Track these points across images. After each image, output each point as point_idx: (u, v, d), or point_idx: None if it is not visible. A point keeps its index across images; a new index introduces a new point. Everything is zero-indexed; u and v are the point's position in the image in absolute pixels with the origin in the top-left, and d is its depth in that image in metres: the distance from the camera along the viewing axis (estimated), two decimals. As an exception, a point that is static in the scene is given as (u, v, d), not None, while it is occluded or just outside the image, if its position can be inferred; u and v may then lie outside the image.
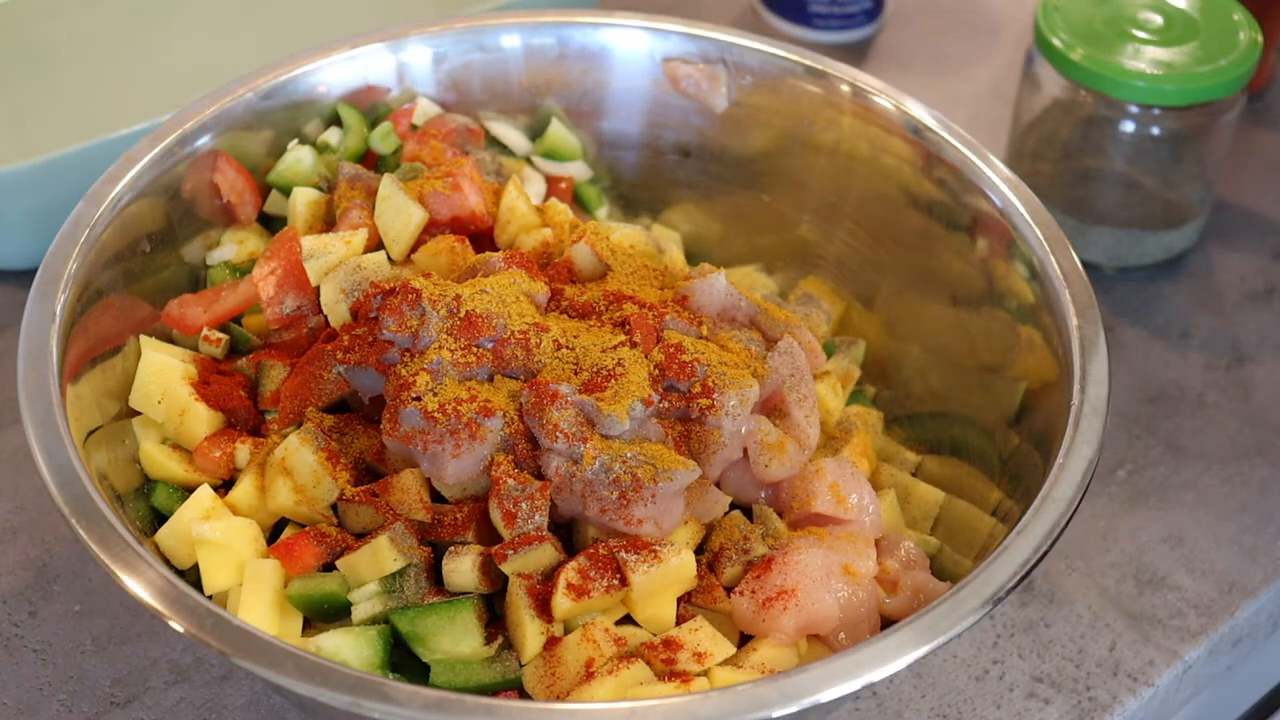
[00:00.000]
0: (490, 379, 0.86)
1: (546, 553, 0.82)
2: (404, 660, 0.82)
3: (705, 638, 0.81)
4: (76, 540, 0.76)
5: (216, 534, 0.84)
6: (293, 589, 0.83)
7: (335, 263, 0.93)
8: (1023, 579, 0.76)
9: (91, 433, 0.85)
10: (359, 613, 0.82)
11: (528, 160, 1.12)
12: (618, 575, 0.81)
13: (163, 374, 0.91)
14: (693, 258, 1.13)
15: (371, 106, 1.08)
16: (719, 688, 0.72)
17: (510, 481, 0.83)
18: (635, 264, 0.96)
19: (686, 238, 1.14)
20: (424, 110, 1.08)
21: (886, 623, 0.85)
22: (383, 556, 0.82)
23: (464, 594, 0.83)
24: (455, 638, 0.81)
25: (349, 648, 0.80)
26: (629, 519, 0.82)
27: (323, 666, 0.70)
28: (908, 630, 0.72)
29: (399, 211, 0.95)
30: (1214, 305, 1.22)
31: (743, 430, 0.87)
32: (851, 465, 0.90)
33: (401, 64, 1.08)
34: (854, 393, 1.03)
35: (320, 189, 1.02)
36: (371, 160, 1.06)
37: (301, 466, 0.85)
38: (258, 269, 0.95)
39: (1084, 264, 0.93)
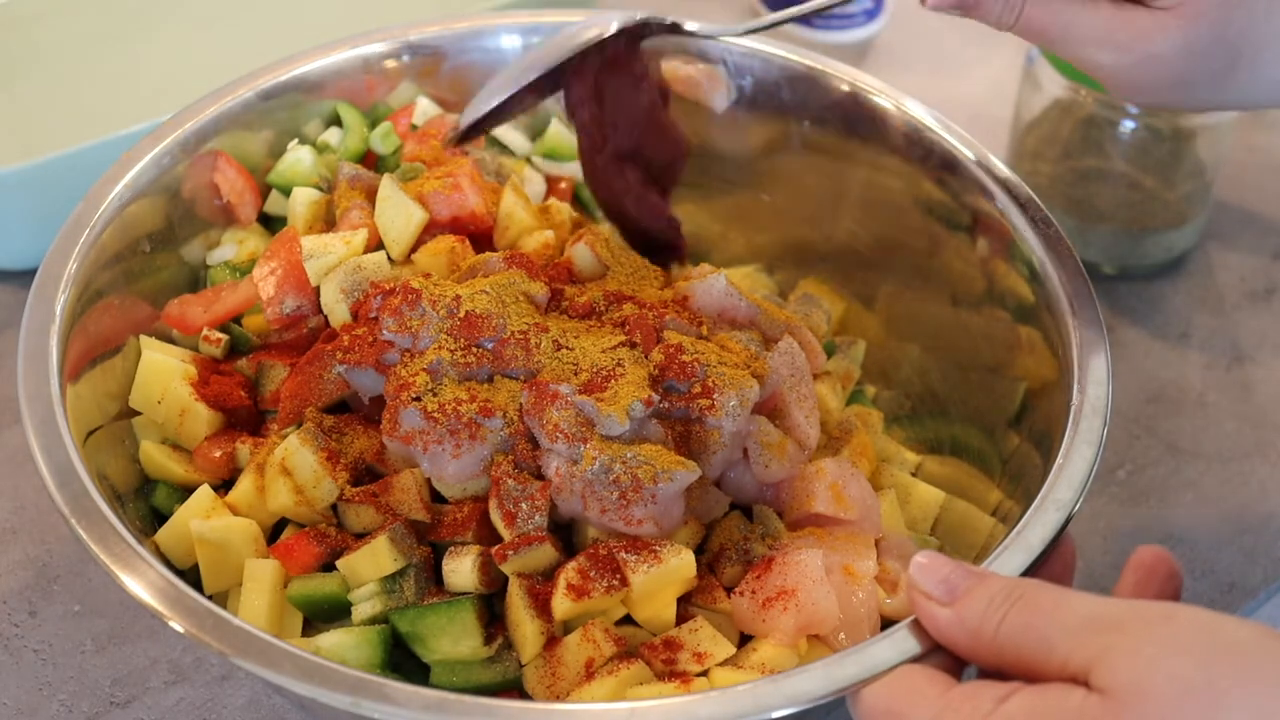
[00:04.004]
0: (490, 379, 0.86)
1: (546, 553, 0.82)
2: (404, 660, 0.82)
3: (705, 638, 0.81)
4: (76, 540, 0.76)
5: (216, 534, 0.84)
6: (293, 589, 0.83)
7: (335, 263, 0.93)
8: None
9: (91, 433, 0.85)
10: (359, 613, 0.82)
11: (527, 160, 1.12)
12: (618, 575, 0.81)
13: (163, 374, 0.91)
14: (693, 258, 1.13)
15: (371, 106, 1.08)
16: (719, 688, 0.72)
17: (510, 482, 0.83)
18: (635, 264, 0.96)
19: (687, 237, 1.14)
20: (424, 110, 1.08)
21: (886, 623, 0.85)
22: (382, 557, 0.82)
23: (464, 594, 0.83)
24: (455, 638, 0.81)
25: (349, 648, 0.80)
26: (629, 519, 0.82)
27: (323, 666, 0.70)
28: (908, 630, 0.72)
29: (399, 211, 0.95)
30: (1214, 305, 1.22)
31: (742, 430, 0.87)
32: (851, 465, 0.90)
33: (401, 64, 1.08)
34: (854, 393, 1.03)
35: (320, 189, 1.02)
36: (371, 160, 1.06)
37: (301, 467, 0.85)
38: (258, 269, 0.95)
39: (1084, 264, 0.93)
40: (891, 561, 0.89)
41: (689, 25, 0.97)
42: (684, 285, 0.94)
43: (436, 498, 0.86)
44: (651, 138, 1.00)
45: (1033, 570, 0.76)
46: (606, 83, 0.97)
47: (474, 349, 0.86)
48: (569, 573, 0.81)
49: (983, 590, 0.69)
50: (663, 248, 1.03)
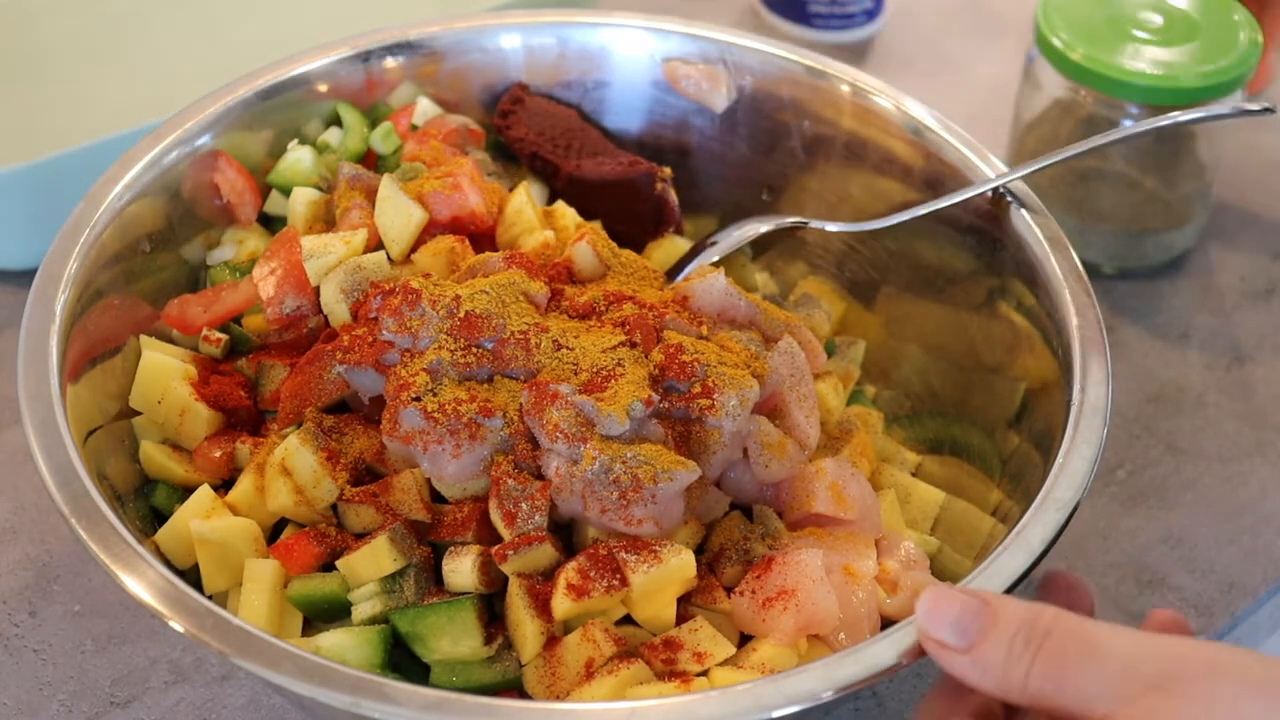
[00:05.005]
0: (490, 379, 0.86)
1: (546, 553, 0.82)
2: (404, 660, 0.82)
3: (705, 638, 0.81)
4: (76, 540, 0.76)
5: (216, 534, 0.84)
6: (293, 589, 0.83)
7: (335, 263, 0.93)
8: (1022, 579, 0.76)
9: (91, 433, 0.85)
10: (359, 613, 0.82)
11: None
12: (618, 575, 0.81)
13: (163, 374, 0.91)
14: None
15: (371, 106, 1.08)
16: (719, 688, 0.72)
17: (510, 482, 0.83)
18: (635, 264, 0.96)
19: (688, 236, 1.14)
20: (424, 110, 1.08)
21: (886, 623, 0.85)
22: (382, 556, 0.82)
23: (464, 594, 0.83)
24: (455, 638, 0.81)
25: (349, 648, 0.80)
26: (629, 519, 0.82)
27: (323, 666, 0.70)
28: (908, 630, 0.72)
29: (399, 211, 0.95)
30: (1214, 305, 1.22)
31: (743, 430, 0.87)
32: (851, 465, 0.90)
33: (401, 64, 1.08)
34: (854, 393, 1.03)
35: (320, 189, 1.02)
36: (371, 160, 1.06)
37: (301, 467, 0.85)
38: (258, 269, 0.95)
39: (1084, 264, 0.93)
40: (891, 561, 0.89)
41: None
42: (684, 285, 0.94)
43: (436, 498, 0.86)
44: (579, 136, 1.09)
45: (1032, 570, 0.76)
46: (527, 115, 1.09)
47: (474, 349, 0.86)
48: (569, 573, 0.81)
49: (998, 633, 0.66)
50: (658, 215, 1.06)
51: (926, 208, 0.98)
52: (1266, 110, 0.90)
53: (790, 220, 1.04)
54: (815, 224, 1.04)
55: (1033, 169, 0.96)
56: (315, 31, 1.14)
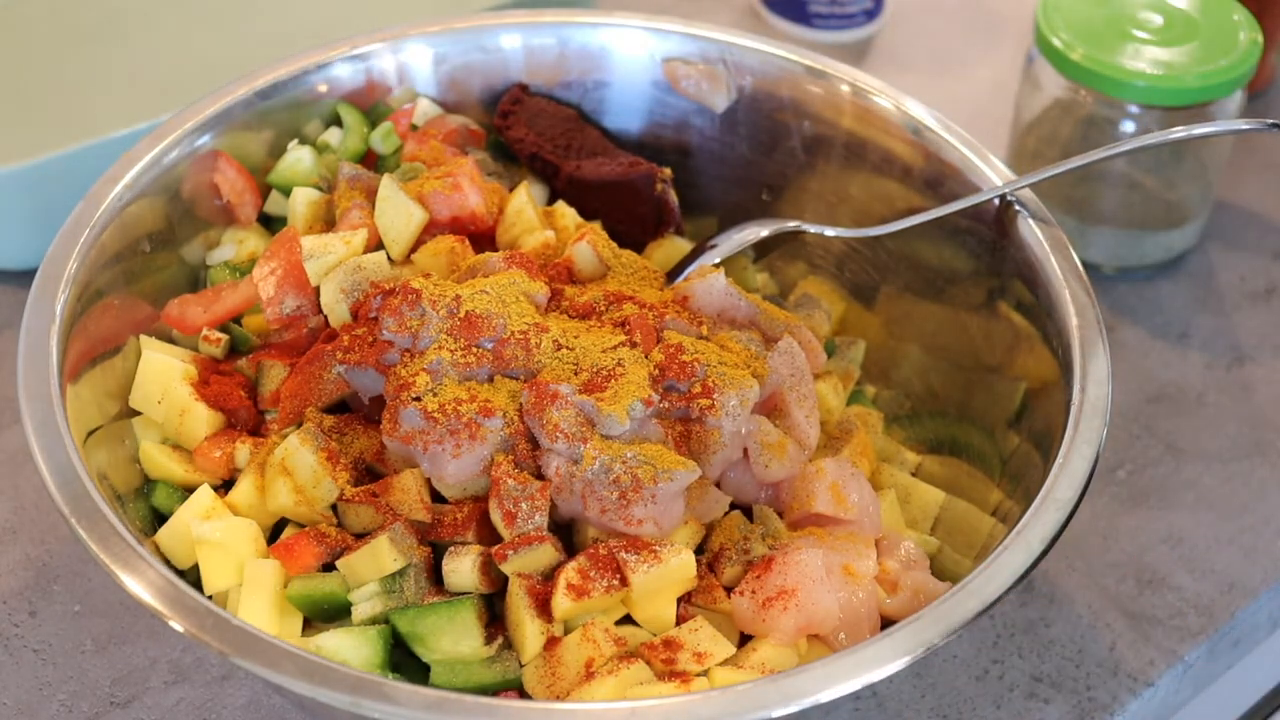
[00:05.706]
0: (490, 379, 0.87)
1: (546, 553, 0.82)
2: (404, 660, 0.82)
3: (705, 638, 0.81)
4: (76, 540, 0.76)
5: (216, 534, 0.84)
6: (293, 589, 0.83)
7: (335, 263, 0.93)
8: (1022, 579, 0.76)
9: (91, 433, 0.85)
10: (359, 613, 0.82)
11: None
12: (618, 575, 0.81)
13: (163, 374, 0.91)
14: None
15: (371, 106, 1.08)
16: (719, 688, 0.72)
17: (510, 481, 0.83)
18: (635, 264, 0.96)
19: (689, 237, 1.14)
20: (424, 110, 1.08)
21: (886, 623, 0.85)
22: (383, 556, 0.82)
23: (464, 594, 0.83)
24: (455, 638, 0.81)
25: (349, 648, 0.80)
26: (629, 519, 0.82)
27: (323, 666, 0.70)
28: (908, 630, 0.72)
29: (399, 211, 0.95)
30: (1214, 305, 1.22)
31: (743, 430, 0.87)
32: (851, 465, 0.90)
33: (401, 64, 1.08)
34: (854, 393, 1.03)
35: (320, 189, 1.02)
36: (371, 160, 1.06)
37: (301, 467, 0.85)
38: (258, 269, 0.95)
39: (1084, 264, 0.93)
40: (891, 561, 0.89)
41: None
42: (684, 285, 0.94)
43: (436, 498, 0.86)
44: (579, 136, 1.10)
45: (1032, 570, 0.76)
46: (527, 115, 1.09)
47: (474, 349, 0.86)
48: (569, 573, 0.81)
49: None
50: (658, 215, 1.05)
51: (928, 215, 0.98)
52: (1276, 126, 0.91)
53: (790, 225, 1.04)
54: (814, 229, 1.04)
55: (1040, 178, 0.96)
56: (315, 31, 1.14)
